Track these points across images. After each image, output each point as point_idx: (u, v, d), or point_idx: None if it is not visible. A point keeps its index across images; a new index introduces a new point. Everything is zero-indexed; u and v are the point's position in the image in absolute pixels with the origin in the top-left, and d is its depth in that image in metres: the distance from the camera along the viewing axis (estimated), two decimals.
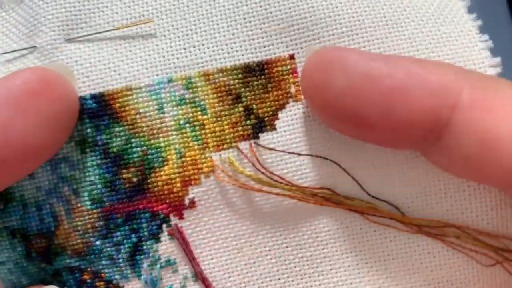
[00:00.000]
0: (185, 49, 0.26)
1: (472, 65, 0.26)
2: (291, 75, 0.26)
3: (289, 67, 0.26)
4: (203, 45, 0.26)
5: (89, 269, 0.26)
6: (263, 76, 0.26)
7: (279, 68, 0.26)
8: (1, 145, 0.22)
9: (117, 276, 0.26)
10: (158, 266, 0.26)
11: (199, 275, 0.26)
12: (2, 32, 0.27)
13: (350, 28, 0.26)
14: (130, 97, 0.25)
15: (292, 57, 0.26)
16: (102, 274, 0.26)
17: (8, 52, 0.26)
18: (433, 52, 0.26)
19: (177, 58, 0.26)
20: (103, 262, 0.26)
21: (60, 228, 0.25)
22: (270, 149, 0.25)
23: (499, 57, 0.26)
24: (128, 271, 0.26)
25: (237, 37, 0.26)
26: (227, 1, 0.26)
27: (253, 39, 0.26)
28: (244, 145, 0.25)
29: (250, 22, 0.26)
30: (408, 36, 0.26)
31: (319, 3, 0.26)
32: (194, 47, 0.26)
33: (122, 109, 0.25)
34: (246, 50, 0.26)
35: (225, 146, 0.25)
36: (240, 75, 0.25)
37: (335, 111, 0.22)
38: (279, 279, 0.26)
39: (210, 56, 0.26)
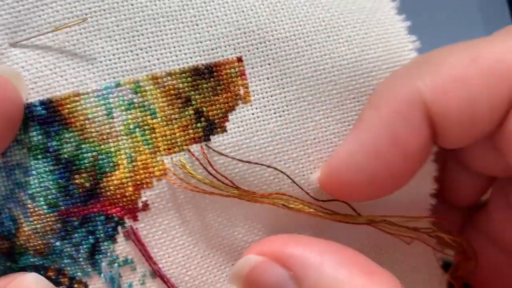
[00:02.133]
0: (131, 51, 0.26)
1: (403, 65, 0.27)
2: (239, 77, 0.26)
3: (237, 69, 0.26)
4: (150, 47, 0.26)
5: (52, 267, 0.26)
6: (212, 79, 0.26)
7: (228, 71, 0.26)
8: None
9: (79, 273, 0.27)
10: (116, 265, 0.27)
11: (157, 273, 0.27)
12: None
13: (293, 33, 0.26)
14: (78, 103, 0.25)
15: (240, 59, 0.26)
16: (65, 271, 0.26)
17: None
18: (368, 54, 0.27)
19: (124, 62, 0.25)
20: (65, 260, 0.26)
21: (20, 231, 0.26)
22: (221, 153, 0.26)
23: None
24: (89, 269, 0.27)
25: (185, 40, 0.26)
26: (173, 2, 0.26)
27: (201, 42, 0.26)
28: (195, 148, 0.26)
29: (197, 25, 0.26)
30: (346, 39, 0.27)
31: (262, 9, 0.26)
32: (141, 49, 0.26)
33: (71, 115, 0.25)
34: (194, 53, 0.26)
35: (176, 149, 0.26)
36: (189, 78, 0.26)
37: None
38: (233, 265, 0.27)
39: (158, 59, 0.26)
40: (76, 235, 0.26)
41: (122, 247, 0.26)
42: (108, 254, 0.26)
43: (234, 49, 0.26)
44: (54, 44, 0.25)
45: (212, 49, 0.26)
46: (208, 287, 0.28)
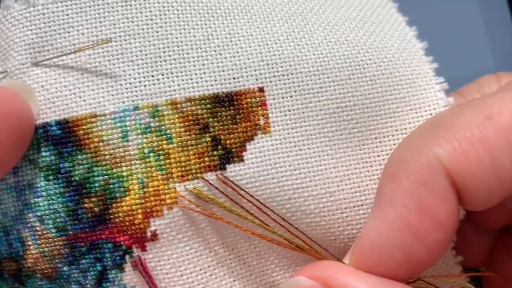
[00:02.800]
0: (153, 76, 0.25)
1: (427, 106, 0.26)
2: (260, 107, 0.26)
3: (258, 99, 0.26)
4: (171, 73, 0.25)
5: None
6: (232, 107, 0.25)
7: (248, 100, 0.25)
8: None
9: None
10: None
11: None
12: None
13: (316, 68, 0.26)
14: (94, 124, 0.25)
15: (261, 89, 0.26)
16: None
17: None
18: (391, 95, 0.26)
19: (144, 86, 0.25)
20: (73, 286, 0.25)
21: (28, 253, 0.25)
22: (236, 185, 0.25)
23: (452, 98, 0.27)
24: None
25: (207, 68, 0.26)
26: (198, 32, 0.26)
27: (223, 71, 0.26)
28: (210, 176, 0.25)
29: (220, 54, 0.26)
30: (370, 78, 0.26)
31: (287, 43, 0.26)
32: (162, 75, 0.25)
33: (86, 136, 0.25)
34: (215, 81, 0.25)
35: (190, 177, 0.25)
36: (208, 105, 0.25)
37: None
38: None
39: (178, 85, 0.25)
40: (83, 261, 0.25)
41: (129, 277, 0.25)
42: (116, 283, 0.25)
43: (256, 79, 0.26)
44: (76, 65, 0.25)
45: (234, 78, 0.26)
46: None
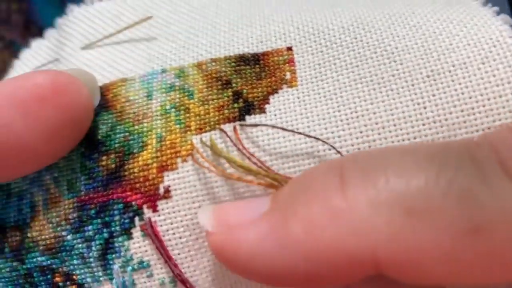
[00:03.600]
0: (183, 47, 0.26)
1: (489, 39, 0.22)
2: (287, 64, 0.24)
3: (286, 57, 0.24)
4: (202, 43, 0.26)
5: (60, 270, 0.23)
6: (257, 66, 0.24)
7: (275, 58, 0.24)
8: None
9: (88, 279, 0.23)
10: (130, 268, 0.22)
11: (178, 278, 0.22)
12: (35, 56, 0.29)
13: (350, 23, 0.25)
14: (123, 87, 0.25)
15: (289, 48, 0.24)
16: (74, 276, 0.23)
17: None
18: (441, 34, 0.23)
19: (174, 54, 0.26)
20: (75, 261, 0.23)
21: (35, 220, 0.24)
22: (256, 125, 0.22)
23: None
24: (100, 273, 0.23)
25: (236, 37, 0.26)
26: (232, 14, 0.27)
27: (251, 37, 0.25)
28: (228, 128, 0.23)
29: (251, 26, 0.26)
30: (413, 25, 0.24)
31: (320, 13, 0.26)
32: (193, 45, 0.26)
33: (114, 98, 0.25)
34: (242, 45, 0.25)
35: (207, 128, 0.23)
36: (233, 63, 0.24)
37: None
38: None
39: (206, 50, 0.25)
40: (90, 227, 0.23)
41: (137, 245, 0.22)
42: (122, 253, 0.22)
43: (285, 41, 0.25)
44: (117, 43, 0.27)
45: (261, 42, 0.25)
46: None
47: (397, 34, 0.23)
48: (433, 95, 0.22)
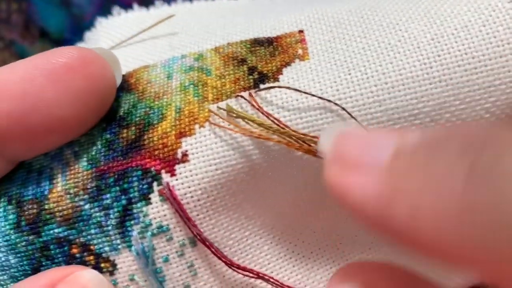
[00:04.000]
0: (202, 39, 0.27)
1: None
2: (299, 43, 0.25)
3: (298, 38, 0.26)
4: (219, 35, 0.27)
5: (77, 241, 0.23)
6: (271, 46, 0.26)
7: (288, 40, 0.26)
8: (29, 110, 0.22)
9: (106, 248, 0.23)
10: (149, 233, 0.23)
11: (197, 237, 0.22)
12: None
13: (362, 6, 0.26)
14: (145, 72, 0.26)
15: (301, 31, 0.26)
16: (91, 246, 0.23)
17: None
18: None
19: (193, 43, 0.27)
20: (92, 231, 0.23)
21: (53, 191, 0.24)
22: (271, 87, 0.23)
23: None
24: (118, 241, 0.23)
25: (252, 26, 0.27)
26: (247, 14, 0.29)
27: (265, 25, 0.27)
28: (244, 95, 0.24)
29: (265, 19, 0.28)
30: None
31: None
32: (210, 38, 0.27)
33: (137, 81, 0.26)
34: (258, 32, 0.27)
35: (224, 98, 0.24)
36: (248, 45, 0.26)
37: None
38: (278, 229, 0.22)
39: (223, 38, 0.27)
40: (108, 195, 0.23)
41: (156, 210, 0.23)
42: (141, 219, 0.23)
43: (297, 27, 0.26)
44: (142, 40, 0.29)
45: (275, 29, 0.26)
46: (254, 251, 0.23)
47: (401, 9, 0.25)
48: (438, 55, 0.23)
